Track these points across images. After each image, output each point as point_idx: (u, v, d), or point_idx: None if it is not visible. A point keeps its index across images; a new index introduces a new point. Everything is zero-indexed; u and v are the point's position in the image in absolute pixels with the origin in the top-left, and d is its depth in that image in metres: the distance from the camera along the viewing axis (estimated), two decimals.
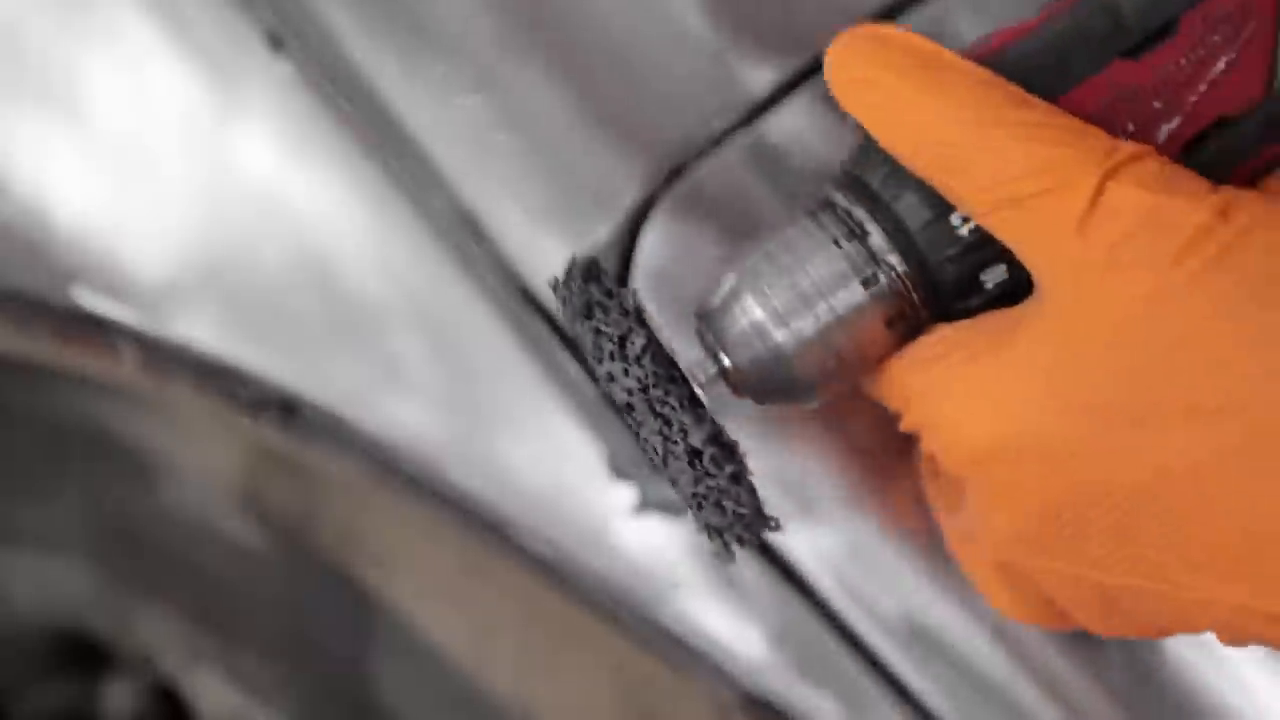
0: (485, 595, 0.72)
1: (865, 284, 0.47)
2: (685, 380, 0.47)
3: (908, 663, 0.59)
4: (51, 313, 0.66)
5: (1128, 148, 0.43)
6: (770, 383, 0.48)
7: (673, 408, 0.47)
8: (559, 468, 0.61)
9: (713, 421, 0.47)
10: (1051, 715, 0.58)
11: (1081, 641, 0.58)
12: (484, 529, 0.62)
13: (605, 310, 0.48)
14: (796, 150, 0.59)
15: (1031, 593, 0.49)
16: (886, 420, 0.56)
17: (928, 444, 0.48)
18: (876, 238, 0.47)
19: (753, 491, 0.47)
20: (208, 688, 0.91)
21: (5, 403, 0.82)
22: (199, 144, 0.64)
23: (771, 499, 0.59)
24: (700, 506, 0.48)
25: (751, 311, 0.48)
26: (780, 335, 0.48)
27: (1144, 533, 0.43)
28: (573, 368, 0.60)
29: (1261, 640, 0.44)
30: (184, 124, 0.64)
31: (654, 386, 0.47)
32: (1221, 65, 0.45)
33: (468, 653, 0.75)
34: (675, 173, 0.60)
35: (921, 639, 0.58)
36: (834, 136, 0.60)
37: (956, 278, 0.47)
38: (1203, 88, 0.45)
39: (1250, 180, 0.46)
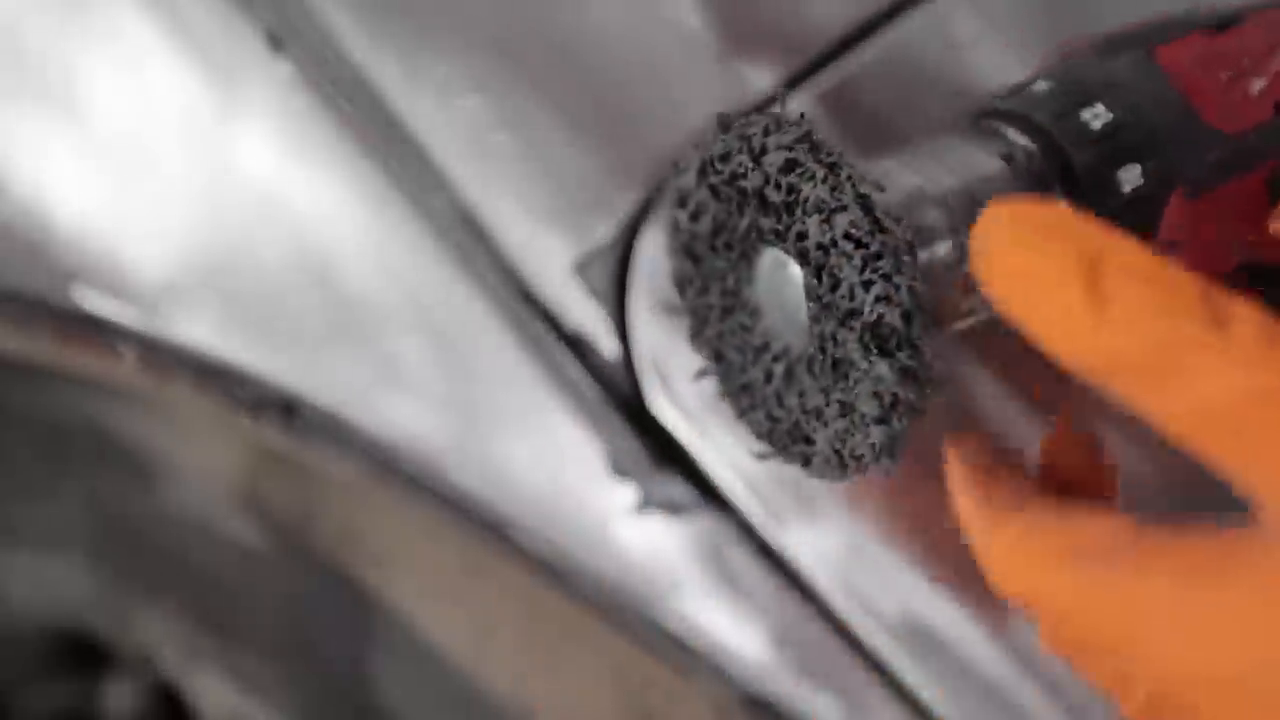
0: (485, 595, 0.72)
1: (1006, 159, 0.47)
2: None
3: (908, 663, 0.59)
4: (51, 313, 0.66)
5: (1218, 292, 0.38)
6: (929, 292, 0.44)
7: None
8: (559, 468, 0.61)
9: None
10: (1051, 715, 0.58)
11: None
12: (484, 529, 0.62)
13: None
14: None
15: None
16: None
17: (1123, 665, 0.41)
18: (1013, 133, 0.48)
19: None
20: (208, 688, 0.91)
21: (5, 403, 0.82)
22: (199, 144, 0.64)
23: (772, 499, 0.59)
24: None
25: (929, 211, 0.45)
26: (948, 237, 0.45)
27: None
28: (573, 368, 0.60)
29: None
30: (184, 124, 0.64)
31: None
32: None
33: (468, 652, 0.75)
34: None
35: (921, 639, 0.58)
36: (833, 136, 0.60)
37: (1093, 167, 0.47)
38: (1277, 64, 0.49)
39: None
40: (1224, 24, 0.51)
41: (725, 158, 0.46)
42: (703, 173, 0.48)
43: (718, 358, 0.52)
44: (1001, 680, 0.58)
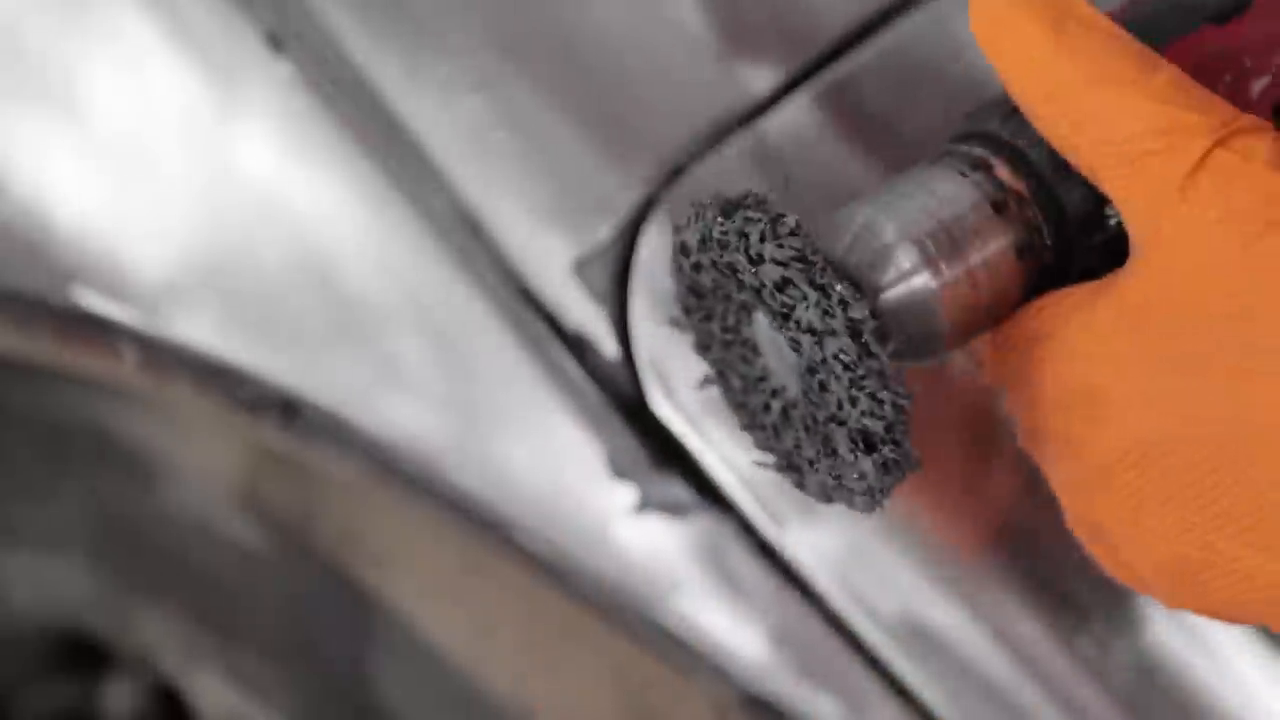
0: (485, 595, 0.72)
1: (995, 208, 0.47)
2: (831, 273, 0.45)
3: (908, 663, 0.59)
4: (51, 313, 0.66)
5: (1245, 120, 0.43)
6: (912, 329, 0.47)
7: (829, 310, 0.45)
8: (559, 468, 0.61)
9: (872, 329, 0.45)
10: (1051, 715, 0.58)
11: (1082, 642, 0.58)
12: (484, 529, 0.62)
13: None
14: (796, 150, 0.59)
15: (1113, 552, 0.48)
16: None
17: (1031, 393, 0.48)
18: (1001, 169, 0.48)
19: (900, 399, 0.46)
20: (207, 688, 0.91)
21: (5, 403, 0.82)
22: (199, 144, 0.64)
23: (771, 499, 0.59)
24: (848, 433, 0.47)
25: (905, 253, 0.47)
26: (931, 279, 0.47)
27: (1197, 492, 0.43)
28: (573, 368, 0.60)
29: None
30: (184, 124, 0.64)
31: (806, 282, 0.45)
32: None
33: (468, 652, 0.75)
34: (675, 173, 0.60)
35: (921, 639, 0.58)
36: (833, 136, 0.60)
37: (1080, 206, 0.47)
38: None
39: None
40: (1234, 9, 0.49)
41: (724, 246, 0.47)
42: (704, 243, 0.48)
43: (720, 377, 0.52)
44: (1001, 680, 0.58)
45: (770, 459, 0.51)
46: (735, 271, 0.47)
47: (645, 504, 0.60)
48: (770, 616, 0.60)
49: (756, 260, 0.45)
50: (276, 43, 0.62)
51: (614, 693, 0.69)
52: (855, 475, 0.47)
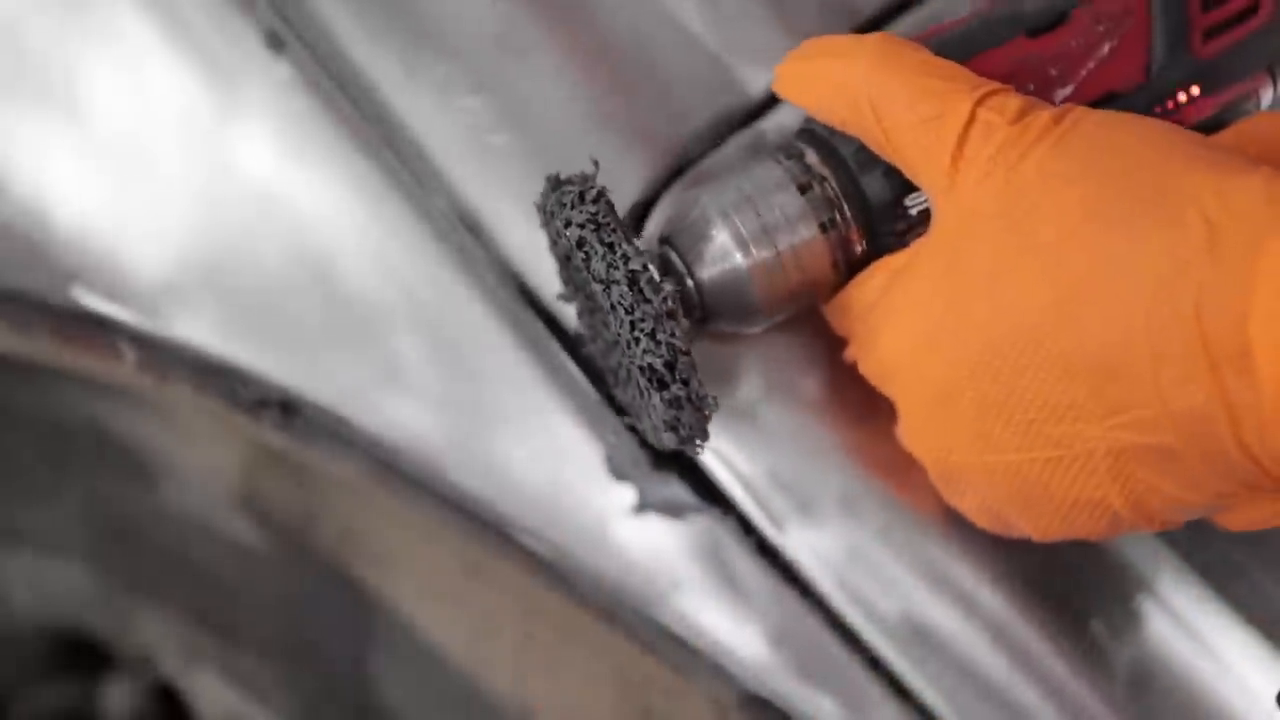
0: (485, 595, 0.72)
1: (801, 189, 0.54)
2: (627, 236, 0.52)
3: (908, 663, 0.59)
4: (51, 313, 0.66)
5: (994, 85, 0.51)
6: (727, 301, 0.54)
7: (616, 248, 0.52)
8: (559, 468, 0.61)
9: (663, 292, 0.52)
10: (1051, 716, 0.58)
11: (1082, 642, 0.58)
12: (484, 529, 0.62)
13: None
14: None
15: (971, 496, 0.53)
16: (888, 419, 0.56)
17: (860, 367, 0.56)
18: (810, 155, 0.55)
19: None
20: (207, 688, 0.91)
21: (5, 403, 0.82)
22: (198, 144, 0.64)
23: (771, 499, 0.59)
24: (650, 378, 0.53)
25: (719, 234, 0.54)
26: (741, 257, 0.54)
27: (1007, 395, 0.49)
28: (573, 368, 0.60)
29: (1163, 496, 0.48)
30: (183, 124, 0.64)
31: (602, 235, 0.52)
32: (1106, 50, 0.55)
33: (468, 653, 0.75)
34: (676, 172, 0.60)
35: (921, 639, 0.58)
36: None
37: (881, 194, 0.54)
38: (1091, 65, 0.55)
39: None
40: (1053, 22, 0.55)
41: (550, 215, 0.54)
42: (541, 213, 0.55)
43: (592, 340, 0.58)
44: (1001, 680, 0.58)
45: (630, 418, 0.57)
46: (559, 237, 0.54)
47: (645, 504, 0.60)
48: (770, 616, 0.60)
49: (566, 225, 0.52)
50: (276, 43, 0.62)
51: (614, 693, 0.69)
52: (655, 412, 0.53)
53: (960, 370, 0.50)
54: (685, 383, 0.52)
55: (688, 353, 0.52)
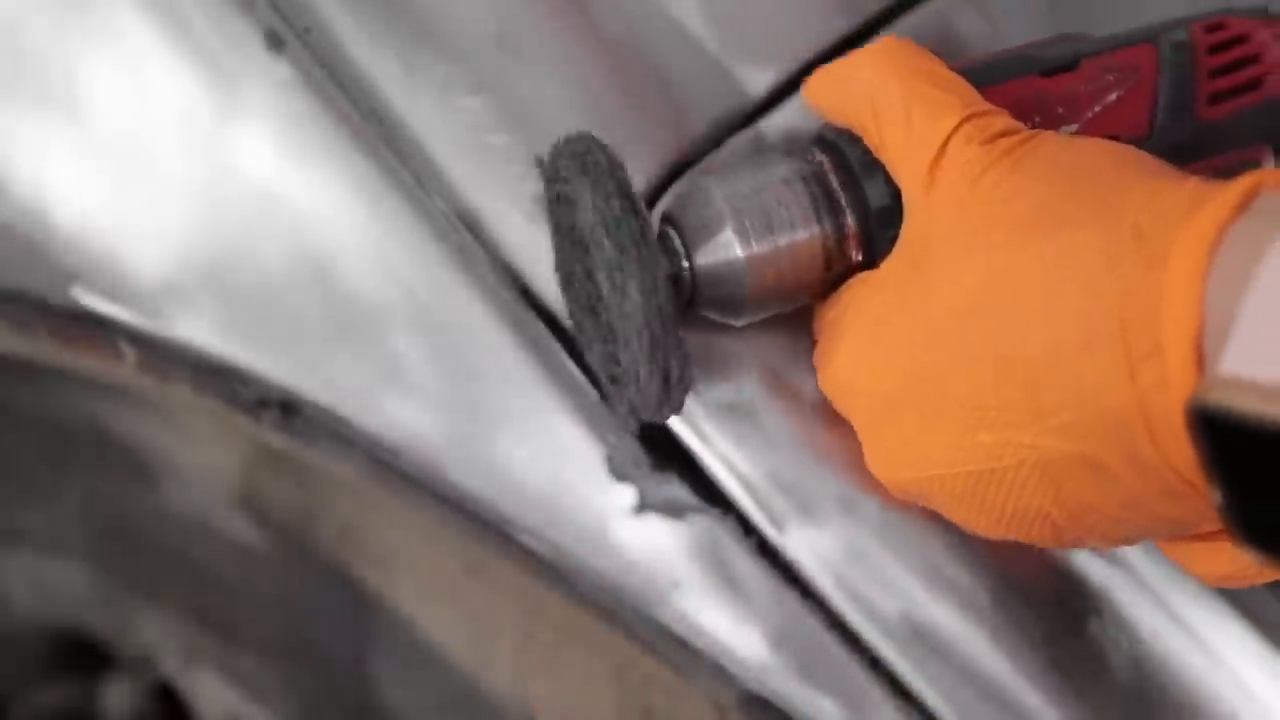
0: (485, 595, 0.72)
1: (804, 182, 0.55)
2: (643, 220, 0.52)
3: (908, 663, 0.59)
4: (51, 313, 0.66)
5: (989, 106, 0.53)
6: (717, 290, 0.55)
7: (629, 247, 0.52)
8: (559, 468, 0.61)
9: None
10: (1051, 716, 0.58)
11: (1081, 641, 0.58)
12: (484, 529, 0.62)
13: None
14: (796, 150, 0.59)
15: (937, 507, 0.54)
16: None
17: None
18: (819, 156, 0.56)
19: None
20: (207, 688, 0.91)
21: (5, 403, 0.82)
22: (198, 144, 0.64)
23: (771, 499, 0.59)
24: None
25: (723, 223, 0.54)
26: (740, 248, 0.54)
27: (942, 400, 0.50)
28: (573, 368, 0.60)
29: (1094, 498, 0.48)
30: (183, 124, 0.64)
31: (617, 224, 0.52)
32: (1113, 97, 0.57)
33: (468, 653, 0.75)
34: (675, 172, 0.60)
35: (921, 639, 0.58)
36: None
37: (880, 199, 0.54)
38: (1097, 108, 0.57)
39: None
40: (1065, 67, 0.57)
41: (555, 174, 0.55)
42: (540, 172, 0.56)
43: (573, 301, 0.58)
44: (1001, 680, 0.58)
45: (608, 389, 0.57)
46: (561, 190, 0.54)
47: (645, 504, 0.60)
48: (770, 616, 0.60)
49: (576, 172, 0.53)
50: (276, 43, 0.62)
51: (614, 693, 0.69)
52: (640, 375, 0.53)
53: (901, 379, 0.51)
54: (679, 344, 0.52)
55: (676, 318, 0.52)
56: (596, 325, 0.55)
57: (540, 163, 0.56)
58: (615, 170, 0.52)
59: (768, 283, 0.55)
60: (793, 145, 0.60)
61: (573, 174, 0.53)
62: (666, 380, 0.53)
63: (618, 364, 0.54)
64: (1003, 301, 0.48)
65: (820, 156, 0.56)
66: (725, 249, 0.54)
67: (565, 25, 0.61)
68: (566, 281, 0.58)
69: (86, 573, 0.90)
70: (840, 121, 0.55)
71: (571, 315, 0.58)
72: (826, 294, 0.56)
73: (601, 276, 0.53)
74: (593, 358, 0.57)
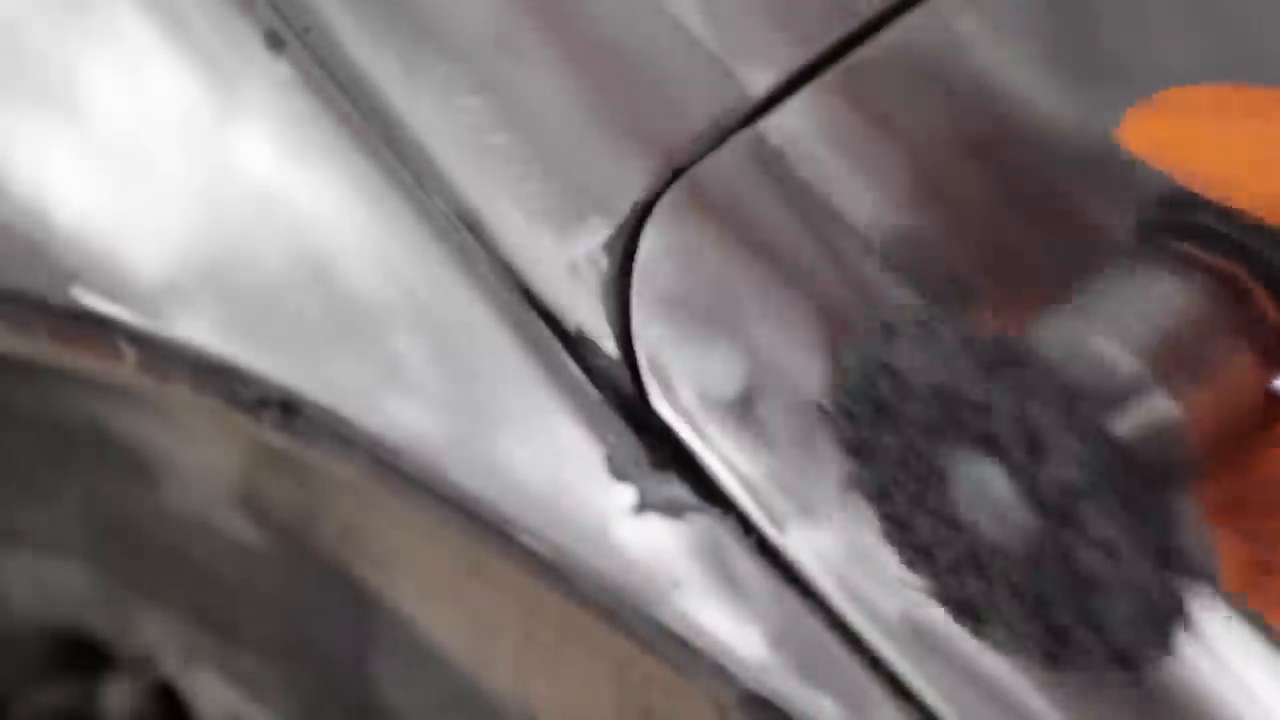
0: (485, 595, 0.72)
1: (1219, 302, 0.43)
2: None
3: (908, 663, 0.59)
4: (51, 313, 0.66)
5: None
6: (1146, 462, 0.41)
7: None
8: (559, 468, 0.61)
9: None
10: (1052, 716, 0.58)
11: None
12: (484, 529, 0.62)
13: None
14: (796, 151, 0.59)
15: None
16: None
17: None
18: (1218, 260, 0.44)
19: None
20: (207, 688, 0.91)
21: (5, 403, 0.82)
22: (198, 144, 0.64)
23: (771, 499, 0.59)
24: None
25: (1136, 378, 0.41)
26: (1170, 399, 0.41)
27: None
28: (573, 368, 0.60)
29: None
30: (183, 124, 0.64)
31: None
32: None
33: (468, 653, 0.75)
34: (676, 173, 0.60)
35: (921, 639, 0.58)
36: (834, 137, 0.60)
37: None
38: None
39: None
40: None
41: (934, 372, 0.43)
42: (910, 366, 0.44)
43: (879, 493, 0.48)
44: (1002, 680, 0.58)
45: (928, 590, 0.47)
46: (953, 398, 0.42)
47: (645, 504, 0.60)
48: (770, 616, 0.60)
49: (979, 382, 0.40)
50: (276, 43, 0.62)
51: (614, 693, 0.69)
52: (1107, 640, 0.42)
53: None
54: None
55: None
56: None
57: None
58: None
59: (1209, 430, 0.42)
60: (1142, 242, 0.46)
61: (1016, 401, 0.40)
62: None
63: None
64: None
65: (1198, 252, 0.44)
66: (1151, 407, 0.41)
67: (566, 25, 0.61)
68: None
69: (86, 573, 0.90)
70: (1246, 205, 0.44)
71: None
72: (1257, 375, 0.44)
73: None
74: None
